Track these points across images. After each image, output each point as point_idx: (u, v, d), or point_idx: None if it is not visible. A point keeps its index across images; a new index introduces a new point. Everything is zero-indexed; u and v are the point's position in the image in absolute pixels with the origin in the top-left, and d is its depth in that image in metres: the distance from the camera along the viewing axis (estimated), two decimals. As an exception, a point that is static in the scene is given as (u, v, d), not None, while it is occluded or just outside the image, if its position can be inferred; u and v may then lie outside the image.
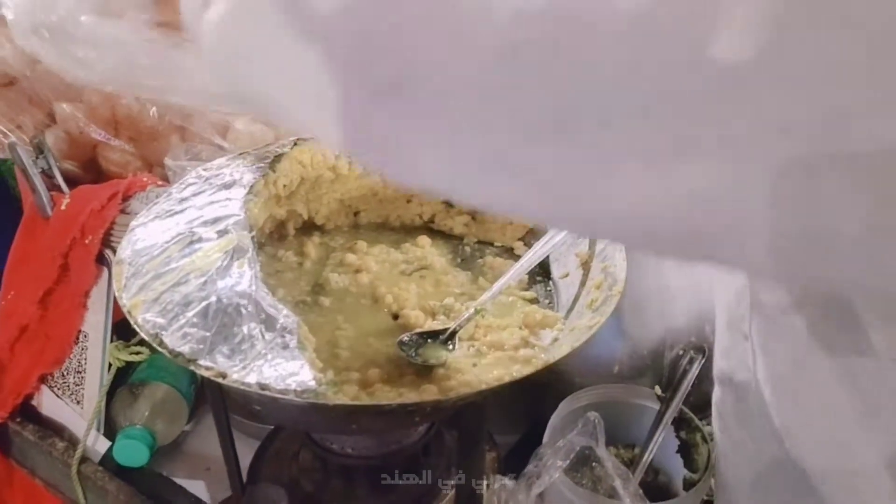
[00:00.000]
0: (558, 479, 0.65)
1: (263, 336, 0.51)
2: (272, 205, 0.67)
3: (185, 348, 0.50)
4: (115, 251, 0.80)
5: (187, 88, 0.83)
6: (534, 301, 0.68)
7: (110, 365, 0.83)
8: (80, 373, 0.85)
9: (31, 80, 0.86)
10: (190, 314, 0.52)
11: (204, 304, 0.52)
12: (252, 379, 0.49)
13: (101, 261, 0.80)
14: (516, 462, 0.80)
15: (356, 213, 0.77)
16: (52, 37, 0.72)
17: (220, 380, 0.49)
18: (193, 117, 0.87)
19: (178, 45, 0.83)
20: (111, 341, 0.83)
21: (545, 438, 0.72)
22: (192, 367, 0.50)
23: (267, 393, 0.48)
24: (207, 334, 0.51)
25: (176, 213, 0.61)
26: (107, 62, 0.77)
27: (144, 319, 0.52)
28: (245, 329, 0.51)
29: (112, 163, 0.88)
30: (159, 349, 0.51)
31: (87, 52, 0.74)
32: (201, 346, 0.50)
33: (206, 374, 0.49)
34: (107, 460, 0.84)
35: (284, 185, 0.66)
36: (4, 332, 0.86)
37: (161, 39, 0.81)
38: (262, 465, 0.76)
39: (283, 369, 0.49)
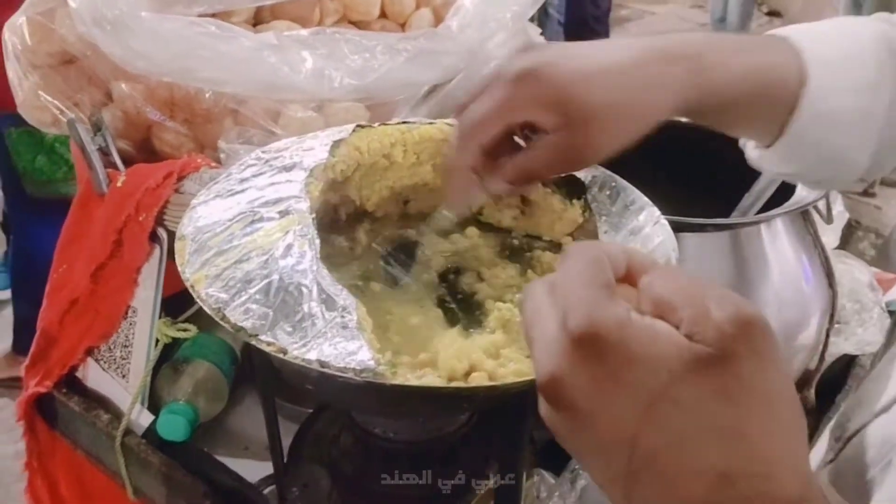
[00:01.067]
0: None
1: (324, 315, 0.52)
2: (327, 190, 0.68)
3: (247, 323, 0.51)
4: (167, 229, 0.82)
5: (239, 79, 0.85)
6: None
7: (157, 341, 0.84)
8: (127, 347, 0.87)
9: (91, 59, 0.88)
10: (252, 291, 0.53)
11: (266, 281, 0.53)
12: (312, 356, 0.50)
13: (154, 238, 0.81)
14: (551, 456, 0.80)
15: (406, 202, 0.77)
16: (113, 29, 0.74)
17: (280, 355, 0.50)
18: (247, 102, 0.88)
19: (232, 38, 0.84)
20: (159, 317, 0.84)
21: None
22: (253, 342, 0.51)
23: (326, 370, 0.49)
24: (269, 311, 0.52)
25: (237, 192, 0.62)
26: (165, 55, 0.78)
27: (207, 294, 0.53)
28: (306, 307, 0.52)
29: (165, 143, 0.90)
30: (222, 323, 0.52)
31: (147, 45, 0.76)
32: (263, 322, 0.51)
33: (267, 349, 0.50)
34: (149, 434, 0.85)
35: (342, 170, 0.67)
36: (55, 304, 0.88)
37: (216, 33, 0.82)
38: (302, 446, 0.78)
39: (342, 348, 0.50)
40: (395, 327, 0.62)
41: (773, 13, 4.87)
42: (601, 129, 0.51)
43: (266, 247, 0.56)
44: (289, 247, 0.55)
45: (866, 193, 2.82)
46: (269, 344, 0.50)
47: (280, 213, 0.58)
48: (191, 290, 0.54)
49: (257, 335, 0.51)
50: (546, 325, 0.33)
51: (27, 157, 1.80)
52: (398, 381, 0.49)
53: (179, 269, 0.57)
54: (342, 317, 0.52)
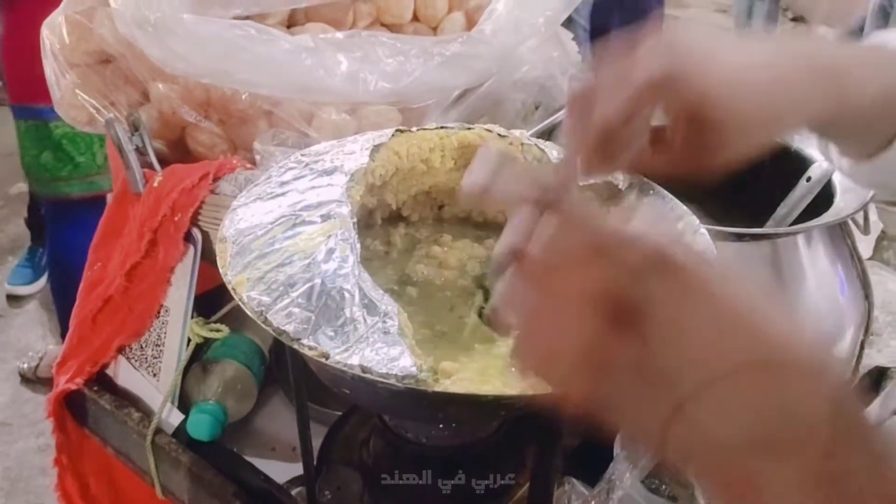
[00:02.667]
0: (633, 487, 0.65)
1: (365, 320, 0.52)
2: (365, 194, 0.68)
3: (289, 327, 0.51)
4: (202, 230, 0.82)
5: (276, 81, 0.85)
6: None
7: (189, 340, 0.85)
8: (159, 346, 0.87)
9: (129, 59, 0.89)
10: (294, 294, 0.53)
11: (308, 285, 0.53)
12: (355, 361, 0.50)
13: (189, 238, 0.82)
14: (580, 464, 0.80)
15: (441, 206, 0.77)
16: (154, 31, 0.75)
17: (322, 360, 0.50)
18: (281, 104, 0.88)
19: (270, 41, 0.84)
20: (191, 317, 0.85)
21: (616, 444, 0.72)
22: (295, 346, 0.51)
23: (368, 376, 0.49)
24: (311, 315, 0.52)
25: (277, 195, 0.62)
26: (204, 57, 0.79)
27: (249, 297, 0.54)
28: (348, 312, 0.52)
29: (200, 144, 0.90)
30: (264, 326, 0.52)
31: (187, 47, 0.76)
32: (305, 326, 0.51)
33: (309, 353, 0.51)
34: (178, 433, 0.86)
35: (381, 175, 0.67)
36: (88, 302, 0.89)
37: (255, 35, 0.83)
38: (332, 449, 0.78)
39: (384, 354, 0.50)
40: (430, 333, 0.62)
41: (797, 19, 4.83)
42: (736, 138, 0.50)
43: (308, 250, 0.56)
44: (331, 251, 0.55)
45: (891, 203, 2.79)
46: (311, 348, 0.50)
47: (322, 216, 0.58)
48: (233, 293, 0.54)
49: (300, 339, 0.51)
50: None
51: (33, 151, 1.76)
52: (440, 388, 0.49)
53: (221, 271, 0.57)
54: (384, 322, 0.52)
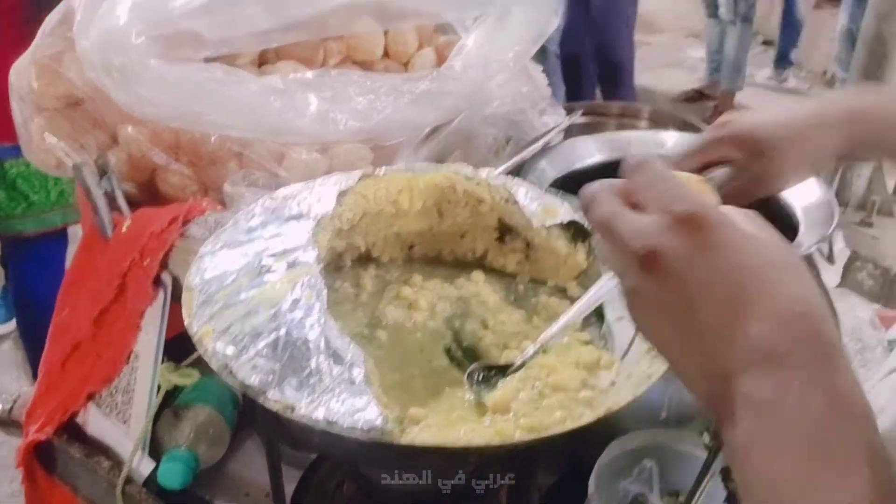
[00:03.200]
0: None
1: (331, 370, 0.51)
2: (333, 237, 0.68)
3: (254, 380, 0.51)
4: (172, 274, 0.81)
5: (244, 123, 0.85)
6: (588, 343, 0.68)
7: (159, 386, 0.84)
8: (129, 392, 0.86)
9: (97, 103, 0.89)
10: (260, 345, 0.53)
11: (273, 335, 0.53)
12: (319, 414, 0.49)
13: (158, 283, 0.81)
14: (556, 502, 0.79)
15: (410, 247, 0.77)
16: (121, 76, 0.75)
17: (288, 413, 0.50)
18: (252, 145, 0.88)
19: (239, 83, 0.85)
20: (161, 362, 0.84)
21: (592, 481, 0.72)
22: (260, 400, 0.51)
23: (334, 430, 0.49)
24: (276, 367, 0.52)
25: (244, 242, 0.62)
26: (173, 101, 0.79)
27: (214, 349, 0.53)
28: (313, 363, 0.52)
29: (170, 185, 0.90)
30: (228, 380, 0.52)
31: (154, 92, 0.77)
32: (270, 378, 0.51)
33: (274, 407, 0.50)
34: (149, 481, 0.84)
35: (349, 219, 0.67)
36: (57, 349, 0.88)
37: (223, 78, 0.83)
38: (305, 495, 0.77)
39: (350, 405, 0.50)
40: (401, 378, 0.62)
41: (767, 42, 4.93)
42: (782, 160, 0.65)
43: (274, 299, 0.55)
44: (296, 300, 0.55)
45: (863, 223, 2.83)
46: (276, 402, 0.50)
47: (288, 264, 0.58)
48: (197, 345, 0.54)
49: (265, 392, 0.51)
50: (632, 217, 0.41)
51: None
52: (406, 440, 0.49)
53: (186, 322, 0.56)
54: (350, 372, 0.51)
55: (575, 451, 0.80)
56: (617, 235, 0.41)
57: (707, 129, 0.69)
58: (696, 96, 4.19)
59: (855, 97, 0.70)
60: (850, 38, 3.24)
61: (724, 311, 0.38)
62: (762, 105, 4.13)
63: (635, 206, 0.41)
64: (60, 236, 1.86)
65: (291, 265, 0.58)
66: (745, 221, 0.40)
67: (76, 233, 1.82)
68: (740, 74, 3.94)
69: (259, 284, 0.57)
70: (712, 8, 3.97)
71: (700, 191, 0.45)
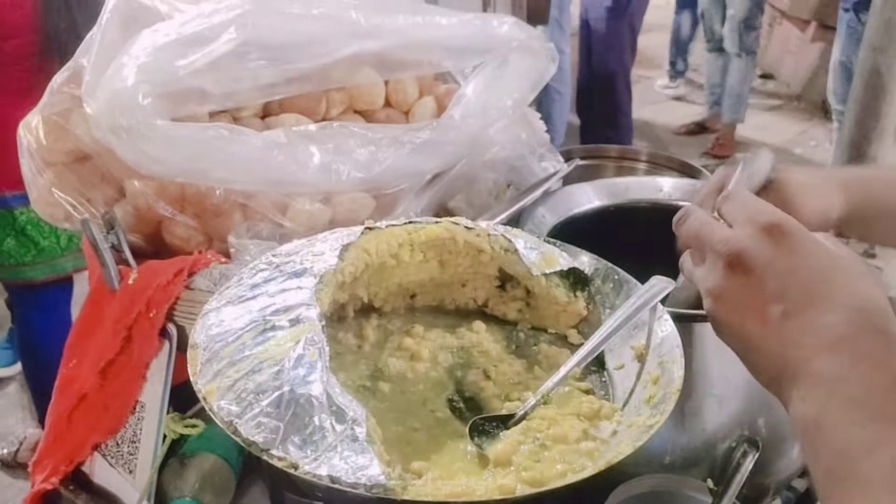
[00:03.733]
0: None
1: (334, 428, 0.52)
2: (336, 290, 0.69)
3: (258, 437, 0.52)
4: (177, 325, 0.83)
5: (248, 177, 0.87)
6: (589, 392, 0.68)
7: (165, 436, 0.84)
8: (135, 442, 0.86)
9: (105, 158, 0.91)
10: (264, 403, 0.53)
11: (277, 393, 0.54)
12: (323, 471, 0.50)
13: (164, 334, 0.82)
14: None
15: (412, 296, 0.79)
16: (128, 137, 0.77)
17: (291, 471, 0.51)
18: (256, 196, 0.90)
19: (243, 140, 0.87)
20: (167, 413, 0.84)
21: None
22: (265, 457, 0.51)
23: (337, 486, 0.49)
24: (280, 424, 0.52)
25: (248, 298, 0.63)
26: (178, 158, 0.81)
27: (220, 406, 0.54)
28: (316, 420, 0.52)
29: (176, 237, 0.91)
30: (234, 437, 0.52)
31: (161, 150, 0.79)
32: (274, 436, 0.52)
33: (278, 464, 0.51)
34: (155, 531, 0.84)
35: (351, 272, 0.68)
36: (63, 400, 0.89)
37: (227, 136, 0.85)
38: (311, 544, 0.77)
39: (353, 462, 0.50)
40: (405, 432, 0.63)
41: (766, 76, 4.98)
42: (801, 204, 0.72)
43: (277, 357, 0.56)
44: (300, 357, 0.56)
45: (867, 254, 2.83)
46: (280, 459, 0.51)
47: (291, 321, 0.59)
48: (203, 402, 0.55)
49: (269, 450, 0.51)
50: (721, 227, 0.50)
51: None
52: (409, 496, 0.49)
53: (192, 378, 0.57)
54: (352, 429, 0.52)
55: (581, 497, 0.80)
56: (707, 242, 0.50)
57: (719, 169, 0.76)
58: (698, 129, 4.23)
59: (850, 170, 0.83)
60: (845, 70, 3.28)
61: (801, 304, 0.45)
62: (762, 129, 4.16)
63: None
64: (66, 282, 1.87)
65: (294, 322, 0.59)
66: (818, 234, 0.48)
67: (82, 278, 1.83)
68: (742, 106, 3.98)
69: (263, 342, 0.58)
70: (713, 43, 4.02)
71: None
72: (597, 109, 3.34)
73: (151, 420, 0.85)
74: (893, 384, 0.41)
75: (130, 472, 0.88)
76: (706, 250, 0.50)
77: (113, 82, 0.79)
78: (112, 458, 0.89)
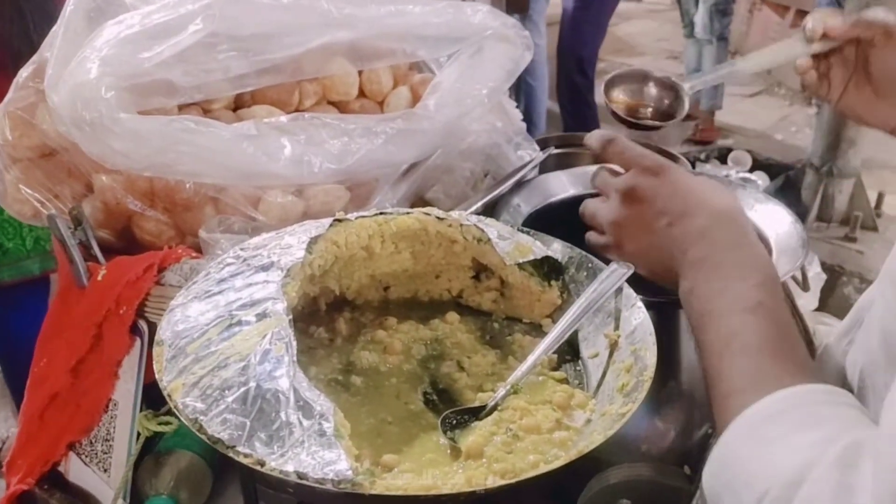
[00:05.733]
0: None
1: (301, 423, 0.51)
2: (306, 283, 0.68)
3: (224, 434, 0.51)
4: (148, 321, 0.81)
5: (217, 170, 0.86)
6: (563, 381, 0.68)
7: (139, 434, 0.83)
8: (109, 441, 0.85)
9: (71, 153, 0.89)
10: (229, 399, 0.53)
11: (243, 389, 0.53)
12: (290, 467, 0.49)
13: (135, 331, 0.81)
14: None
15: (386, 288, 0.78)
16: (92, 130, 0.76)
17: (258, 467, 0.50)
18: (227, 189, 0.89)
19: (210, 132, 0.85)
20: (140, 410, 0.83)
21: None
22: (230, 454, 0.51)
23: (305, 482, 0.49)
24: (246, 420, 0.52)
25: (214, 293, 0.62)
26: (144, 152, 0.80)
27: (184, 404, 0.53)
28: (283, 415, 0.52)
29: (146, 232, 0.90)
30: (199, 434, 0.52)
31: (126, 144, 0.77)
32: (240, 433, 0.51)
33: (244, 461, 0.50)
34: (131, 530, 0.83)
35: (320, 265, 0.67)
36: (35, 399, 0.87)
37: (194, 128, 0.84)
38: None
39: (320, 457, 0.50)
40: (376, 424, 0.62)
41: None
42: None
43: (244, 352, 0.55)
44: (266, 352, 0.55)
45: (847, 238, 2.85)
46: (246, 456, 0.50)
47: (257, 316, 0.58)
48: (167, 400, 0.54)
49: (235, 447, 0.51)
50: (616, 177, 0.67)
51: None
52: (377, 490, 0.49)
53: (157, 376, 0.56)
54: (320, 424, 0.51)
55: (558, 486, 0.80)
56: (609, 188, 0.66)
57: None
58: (679, 116, 4.23)
59: None
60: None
61: (678, 215, 0.61)
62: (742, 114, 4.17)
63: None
64: (42, 283, 1.85)
65: (261, 316, 0.58)
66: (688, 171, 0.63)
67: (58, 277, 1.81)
68: (718, 92, 3.99)
69: (229, 337, 0.57)
70: (689, 28, 4.02)
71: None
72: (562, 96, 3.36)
73: (125, 418, 0.84)
74: (739, 255, 0.58)
75: (105, 470, 0.86)
76: (609, 193, 0.67)
77: (75, 75, 0.77)
78: (86, 456, 0.88)
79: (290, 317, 0.58)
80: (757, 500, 0.45)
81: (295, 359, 0.55)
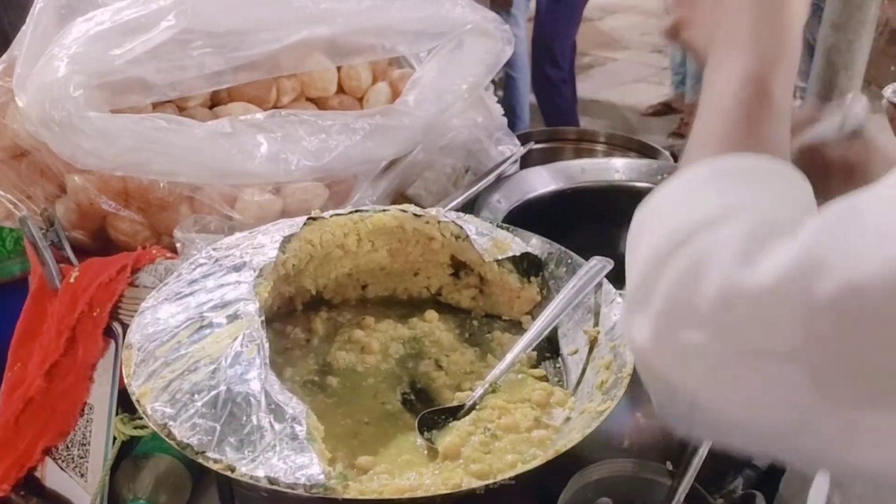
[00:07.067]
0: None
1: (272, 427, 0.50)
2: (280, 283, 0.67)
3: (193, 440, 0.50)
4: (122, 323, 0.80)
5: (191, 169, 0.84)
6: (543, 379, 0.67)
7: (115, 438, 0.82)
8: (85, 445, 0.84)
9: (43, 153, 0.87)
10: (199, 404, 0.52)
11: (213, 393, 0.52)
12: (261, 473, 0.48)
13: (109, 333, 0.80)
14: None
15: (364, 287, 0.77)
16: (61, 130, 0.74)
17: (228, 473, 0.49)
18: (203, 188, 0.87)
19: (183, 130, 0.84)
20: (116, 414, 0.82)
21: (556, 516, 0.71)
22: (200, 460, 0.50)
23: (276, 487, 0.48)
24: (216, 425, 0.51)
25: (185, 295, 0.61)
26: (115, 151, 0.79)
27: (153, 409, 0.52)
28: (254, 419, 0.51)
29: (121, 232, 0.89)
30: (168, 441, 0.51)
31: (96, 143, 0.76)
32: (210, 438, 0.50)
33: (214, 466, 0.49)
34: (109, 535, 0.82)
35: (294, 265, 0.66)
36: (9, 404, 0.86)
37: (166, 126, 0.82)
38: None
39: (292, 462, 0.49)
40: (351, 426, 0.61)
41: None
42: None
43: (214, 355, 0.54)
44: (237, 354, 0.54)
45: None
46: (216, 461, 0.49)
47: (228, 317, 0.57)
48: (136, 405, 0.53)
49: (204, 452, 0.50)
50: None
51: None
52: (350, 495, 0.48)
53: (126, 381, 0.55)
54: (292, 427, 0.50)
55: (540, 483, 0.79)
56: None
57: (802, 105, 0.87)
58: (664, 109, 4.24)
59: None
60: (807, 47, 3.30)
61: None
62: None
63: None
64: (22, 285, 1.82)
65: (232, 318, 0.57)
66: None
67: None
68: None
69: (199, 339, 0.56)
70: (674, 22, 4.02)
71: None
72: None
73: (100, 422, 0.82)
74: (762, 27, 0.58)
75: (82, 475, 0.85)
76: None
77: (43, 74, 0.76)
78: (63, 461, 0.87)
79: (263, 318, 0.57)
80: (660, 236, 0.44)
81: (267, 361, 0.54)
